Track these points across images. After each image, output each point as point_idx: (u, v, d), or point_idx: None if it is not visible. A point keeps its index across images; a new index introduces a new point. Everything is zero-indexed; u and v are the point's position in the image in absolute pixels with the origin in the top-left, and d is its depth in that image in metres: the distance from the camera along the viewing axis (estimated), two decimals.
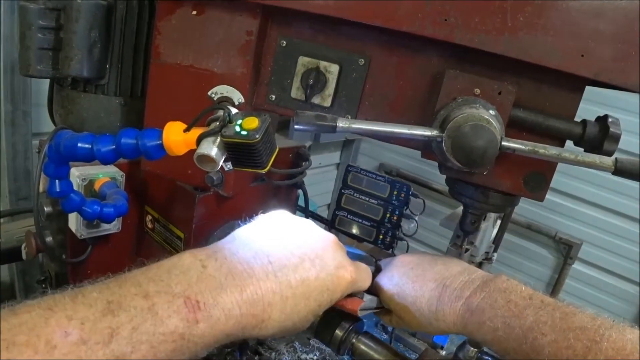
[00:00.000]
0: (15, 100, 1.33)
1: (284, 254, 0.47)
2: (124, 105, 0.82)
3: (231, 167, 0.50)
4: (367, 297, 0.60)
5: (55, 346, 0.32)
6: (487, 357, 0.58)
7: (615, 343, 0.42)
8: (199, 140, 0.45)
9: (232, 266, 0.43)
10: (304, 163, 1.01)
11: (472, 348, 0.58)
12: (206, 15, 0.66)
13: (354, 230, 1.07)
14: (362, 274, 0.56)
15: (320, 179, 2.72)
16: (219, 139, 0.45)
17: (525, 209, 2.38)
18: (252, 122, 0.44)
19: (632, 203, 2.19)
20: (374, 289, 0.63)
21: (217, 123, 0.45)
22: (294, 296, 0.45)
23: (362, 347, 0.62)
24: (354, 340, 0.63)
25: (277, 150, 0.48)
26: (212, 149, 0.44)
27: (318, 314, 0.50)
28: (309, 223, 0.54)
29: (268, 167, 0.47)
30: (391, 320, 0.63)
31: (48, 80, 0.87)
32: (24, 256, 0.95)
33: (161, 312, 0.37)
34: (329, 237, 0.53)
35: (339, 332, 0.62)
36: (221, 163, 0.46)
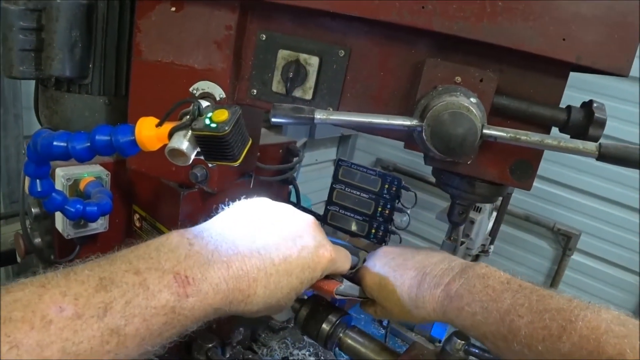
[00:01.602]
0: (5, 103, 1.33)
1: (266, 234, 0.49)
2: (108, 105, 0.82)
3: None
4: (347, 284, 0.60)
5: (51, 321, 0.33)
6: (474, 350, 0.57)
7: (590, 322, 0.42)
8: (170, 135, 0.45)
9: (218, 244, 0.45)
10: (294, 159, 1.00)
11: (459, 340, 0.57)
12: (185, 11, 0.66)
13: (346, 225, 1.07)
14: (341, 255, 0.57)
15: (317, 175, 2.71)
16: (189, 133, 0.44)
17: (522, 200, 2.37)
18: (222, 115, 0.44)
19: (630, 192, 2.18)
20: (357, 279, 0.63)
21: (188, 117, 0.45)
22: (277, 273, 0.47)
23: (349, 341, 0.62)
24: (341, 335, 0.62)
25: (249, 142, 0.48)
26: (182, 142, 0.44)
27: (300, 291, 0.51)
28: (289, 206, 0.56)
29: (240, 160, 0.46)
30: (375, 311, 0.63)
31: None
32: (18, 259, 0.95)
33: (152, 286, 0.38)
34: (309, 219, 0.55)
35: (325, 327, 0.62)
36: (193, 156, 0.45)
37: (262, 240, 0.47)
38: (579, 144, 0.52)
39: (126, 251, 0.42)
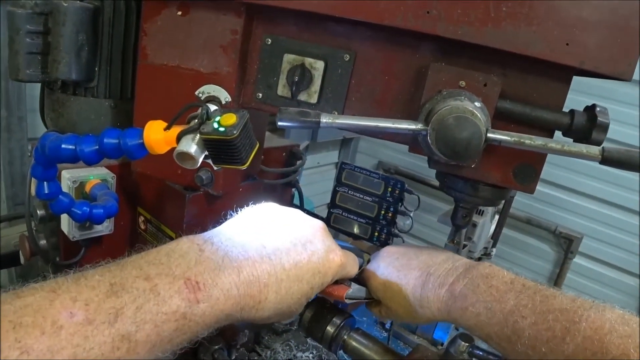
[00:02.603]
0: (10, 106, 1.34)
1: (276, 239, 0.49)
2: (114, 107, 0.82)
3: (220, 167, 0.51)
4: (355, 287, 0.61)
5: (61, 327, 0.33)
6: (478, 352, 0.57)
7: (594, 323, 0.42)
8: (178, 138, 0.45)
9: (228, 250, 0.45)
10: (297, 162, 1.01)
11: (463, 342, 0.58)
12: (191, 15, 0.67)
13: (349, 228, 1.07)
14: (349, 260, 0.57)
15: (319, 178, 2.72)
16: (198, 136, 0.45)
17: (524, 203, 2.37)
18: (230, 119, 0.44)
19: (631, 195, 2.18)
20: (362, 280, 0.64)
21: (196, 120, 0.45)
22: (287, 278, 0.47)
23: (354, 343, 0.62)
24: (345, 337, 0.62)
25: (257, 146, 0.48)
26: (191, 146, 0.45)
27: (310, 296, 0.51)
28: (298, 211, 0.56)
29: (248, 163, 0.47)
30: (380, 311, 0.63)
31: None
32: (22, 261, 0.95)
33: (163, 292, 0.38)
34: (318, 224, 0.55)
35: (330, 329, 0.62)
36: (201, 160, 0.46)
37: (272, 246, 0.47)
38: (583, 148, 0.52)
39: (136, 257, 0.42)
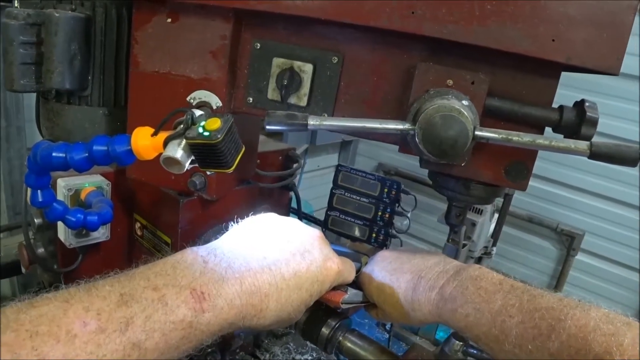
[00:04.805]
0: (9, 116, 1.35)
1: (276, 250, 0.51)
2: (108, 116, 0.83)
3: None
4: (352, 291, 0.62)
5: (75, 335, 0.35)
6: (472, 351, 0.58)
7: (579, 321, 0.42)
8: (165, 144, 0.46)
9: (231, 261, 0.47)
10: (294, 165, 1.01)
11: (457, 342, 0.58)
12: (181, 22, 0.67)
13: (347, 230, 1.07)
14: (347, 266, 0.59)
15: (319, 181, 2.72)
16: (184, 141, 0.46)
17: (525, 201, 2.36)
18: (214, 123, 0.45)
19: (631, 190, 2.17)
20: (359, 284, 0.64)
21: (182, 126, 0.46)
22: (287, 288, 0.49)
23: (349, 344, 0.62)
24: (340, 338, 0.63)
25: (243, 150, 0.49)
26: (177, 151, 0.45)
27: (309, 304, 0.53)
28: (296, 221, 0.58)
29: (234, 167, 0.47)
30: (377, 314, 0.64)
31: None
32: (23, 270, 0.96)
33: (171, 302, 0.40)
34: (316, 233, 0.57)
35: (325, 330, 0.62)
36: (187, 165, 0.46)
37: (272, 256, 0.49)
38: (571, 143, 0.52)
39: (144, 268, 0.44)
